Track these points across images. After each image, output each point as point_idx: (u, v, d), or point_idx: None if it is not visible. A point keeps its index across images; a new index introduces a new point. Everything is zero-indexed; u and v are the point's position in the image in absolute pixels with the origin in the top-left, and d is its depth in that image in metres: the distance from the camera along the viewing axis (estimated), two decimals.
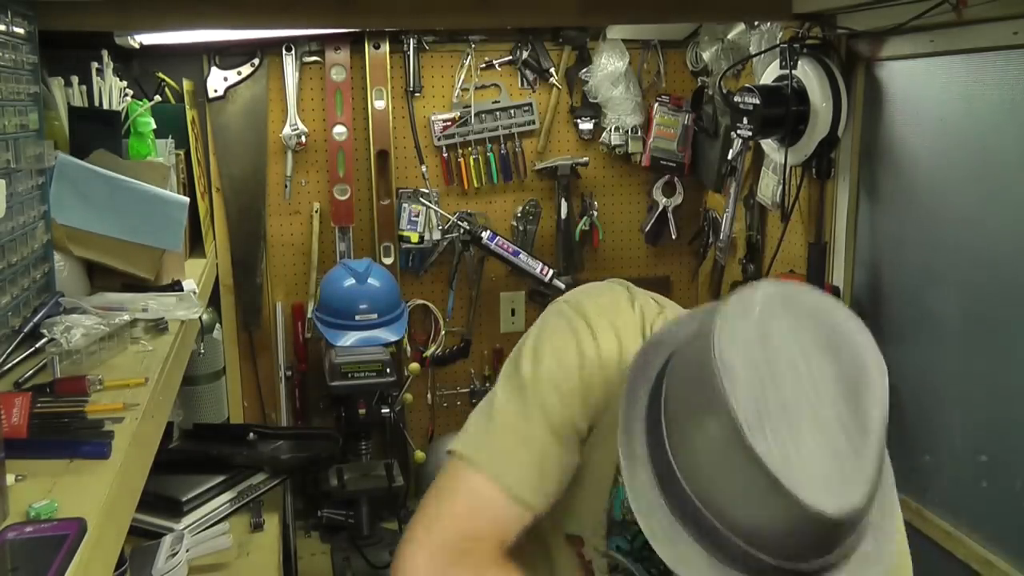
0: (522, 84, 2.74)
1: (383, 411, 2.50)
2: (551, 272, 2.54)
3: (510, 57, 2.72)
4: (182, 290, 1.68)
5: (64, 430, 1.00)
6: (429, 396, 2.83)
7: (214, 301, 2.53)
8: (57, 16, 1.58)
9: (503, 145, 2.73)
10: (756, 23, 2.30)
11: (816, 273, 2.13)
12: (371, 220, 2.70)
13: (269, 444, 2.31)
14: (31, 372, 1.18)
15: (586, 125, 2.77)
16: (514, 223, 2.80)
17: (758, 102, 2.04)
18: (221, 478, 2.11)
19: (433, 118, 2.69)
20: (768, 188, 2.39)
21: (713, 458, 0.80)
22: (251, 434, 2.33)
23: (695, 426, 0.81)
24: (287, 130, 2.61)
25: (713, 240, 2.78)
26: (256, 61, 2.57)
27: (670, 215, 2.82)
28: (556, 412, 1.00)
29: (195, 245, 2.26)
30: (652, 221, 2.84)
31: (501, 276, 2.78)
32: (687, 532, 0.81)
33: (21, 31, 1.39)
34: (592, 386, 1.01)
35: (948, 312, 1.82)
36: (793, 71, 2.02)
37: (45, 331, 1.26)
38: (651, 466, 0.84)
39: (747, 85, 2.12)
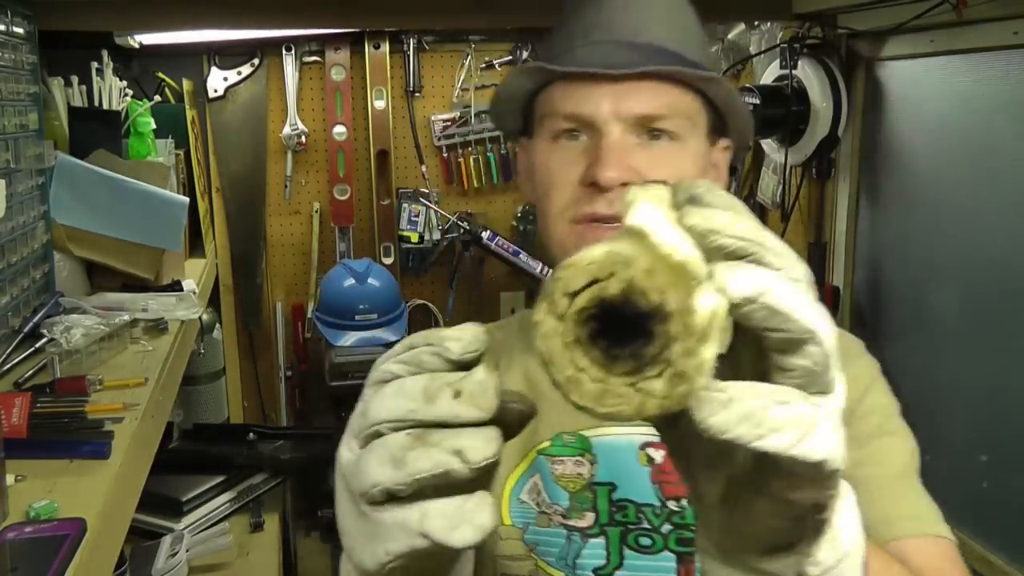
0: None
1: None
2: (551, 272, 2.54)
3: (510, 57, 2.72)
4: (182, 290, 1.68)
5: (64, 430, 1.00)
6: None
7: (214, 301, 2.53)
8: (57, 16, 1.58)
9: (503, 145, 2.73)
10: (756, 23, 2.30)
11: (816, 273, 2.13)
12: (371, 220, 2.70)
13: (269, 444, 2.31)
14: (31, 372, 1.18)
15: None
16: (514, 223, 2.80)
17: (758, 102, 2.04)
18: (221, 478, 2.11)
19: (433, 118, 2.69)
20: (768, 188, 2.39)
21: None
22: (251, 434, 2.33)
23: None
24: (287, 130, 2.61)
25: None
26: (256, 61, 2.57)
27: None
28: None
29: (195, 245, 2.26)
30: None
31: (501, 276, 2.78)
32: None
33: (21, 31, 1.39)
34: None
35: (948, 312, 1.82)
36: (793, 71, 2.02)
37: (45, 331, 1.26)
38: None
39: (747, 85, 2.12)
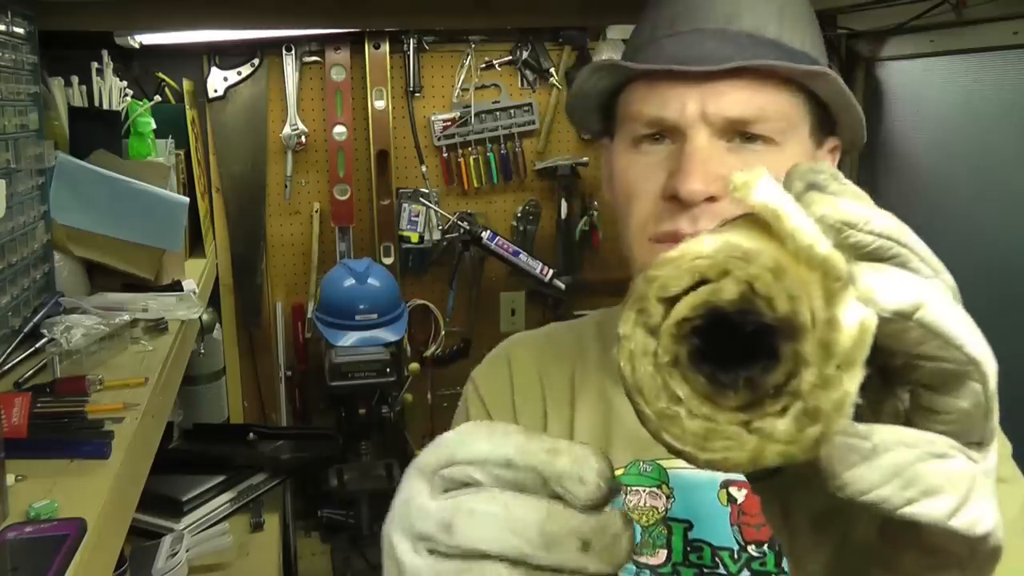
0: (522, 84, 2.74)
1: (383, 411, 2.50)
2: (551, 272, 2.54)
3: (510, 57, 2.72)
4: (182, 290, 1.68)
5: (64, 430, 1.00)
6: (429, 396, 2.83)
7: (214, 301, 2.53)
8: (57, 16, 1.58)
9: (503, 145, 2.73)
10: None
11: None
12: (371, 220, 2.70)
13: (269, 444, 2.31)
14: (31, 372, 1.18)
15: None
16: (514, 223, 2.80)
17: None
18: (221, 478, 2.11)
19: (433, 118, 2.69)
20: None
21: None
22: (251, 434, 2.33)
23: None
24: (287, 130, 2.61)
25: None
26: (256, 61, 2.57)
27: None
28: None
29: (195, 245, 2.26)
30: None
31: (501, 276, 2.78)
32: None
33: (21, 31, 1.39)
34: None
35: None
36: None
37: (45, 331, 1.26)
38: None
39: None
